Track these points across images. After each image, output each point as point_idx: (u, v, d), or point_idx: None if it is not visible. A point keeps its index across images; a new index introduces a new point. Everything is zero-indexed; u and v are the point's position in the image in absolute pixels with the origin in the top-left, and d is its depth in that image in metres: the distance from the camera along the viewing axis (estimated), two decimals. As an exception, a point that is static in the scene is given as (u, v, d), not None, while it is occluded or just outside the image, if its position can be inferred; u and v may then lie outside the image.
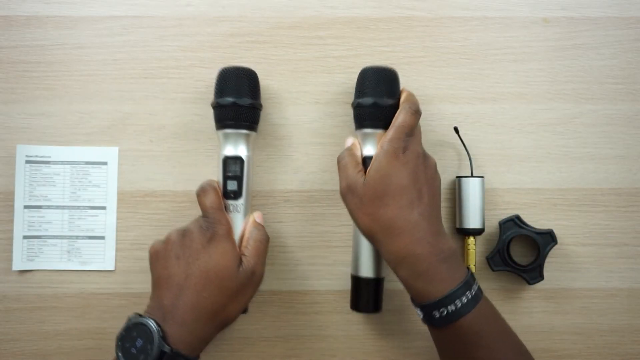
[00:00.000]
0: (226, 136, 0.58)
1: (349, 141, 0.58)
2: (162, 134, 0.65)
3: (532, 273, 0.62)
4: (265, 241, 0.57)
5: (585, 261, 0.64)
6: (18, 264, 0.63)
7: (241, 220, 0.58)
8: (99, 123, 0.64)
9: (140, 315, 0.51)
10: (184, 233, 0.55)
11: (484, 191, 0.63)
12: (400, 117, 0.54)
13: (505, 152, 0.65)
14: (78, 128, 0.64)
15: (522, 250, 0.65)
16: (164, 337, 0.49)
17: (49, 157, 0.64)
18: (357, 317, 0.64)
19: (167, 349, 0.49)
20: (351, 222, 0.64)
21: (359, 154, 0.57)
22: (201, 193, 0.56)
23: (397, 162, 0.52)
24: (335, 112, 0.65)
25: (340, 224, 0.64)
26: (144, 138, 0.65)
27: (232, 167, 0.57)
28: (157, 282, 0.53)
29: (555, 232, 0.62)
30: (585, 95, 0.66)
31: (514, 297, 0.64)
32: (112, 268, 0.63)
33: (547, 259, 0.62)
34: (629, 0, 0.67)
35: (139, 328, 0.50)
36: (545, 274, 0.62)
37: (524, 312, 0.64)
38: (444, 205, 0.64)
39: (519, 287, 0.64)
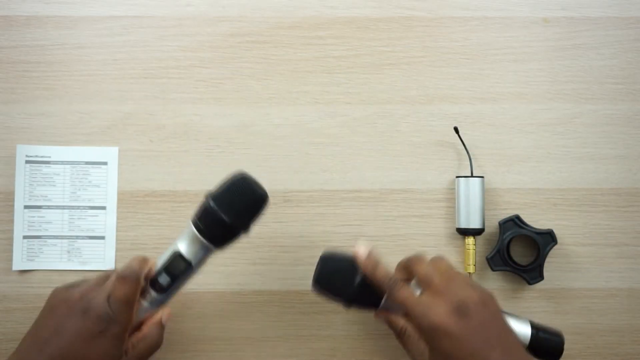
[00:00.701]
0: (193, 238, 0.52)
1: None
2: (162, 134, 0.65)
3: (532, 273, 0.62)
4: (156, 348, 0.52)
5: (585, 261, 0.64)
6: (18, 264, 0.63)
7: (148, 311, 0.53)
8: (99, 123, 0.64)
9: None
10: (85, 307, 0.49)
11: (484, 191, 0.63)
12: (400, 295, 0.51)
13: (505, 152, 0.65)
14: (78, 128, 0.64)
15: (522, 251, 0.65)
16: None
17: (49, 157, 0.64)
18: (357, 317, 0.64)
19: None
20: (351, 222, 0.64)
21: None
22: (121, 280, 0.50)
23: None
24: (335, 112, 0.65)
25: (340, 224, 0.64)
26: (144, 138, 0.65)
27: (178, 266, 0.52)
28: (34, 329, 0.52)
29: (555, 232, 0.62)
30: (585, 95, 0.66)
31: (514, 297, 0.64)
32: (112, 268, 0.63)
33: (547, 259, 0.62)
34: (629, 0, 0.67)
35: None
36: (545, 274, 0.62)
37: (524, 312, 0.64)
38: (445, 206, 0.64)
39: (519, 287, 0.64)
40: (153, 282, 0.52)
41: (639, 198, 0.65)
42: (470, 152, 0.64)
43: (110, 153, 0.64)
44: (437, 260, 0.53)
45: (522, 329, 0.55)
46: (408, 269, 0.54)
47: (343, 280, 0.53)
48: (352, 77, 0.66)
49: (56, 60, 0.65)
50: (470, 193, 0.62)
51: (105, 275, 0.53)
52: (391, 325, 0.53)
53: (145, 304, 0.52)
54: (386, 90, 0.65)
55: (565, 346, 0.63)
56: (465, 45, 0.66)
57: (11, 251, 0.63)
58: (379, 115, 0.65)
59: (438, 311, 0.47)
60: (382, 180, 0.65)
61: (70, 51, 0.65)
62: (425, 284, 0.50)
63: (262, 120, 0.65)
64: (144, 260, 0.52)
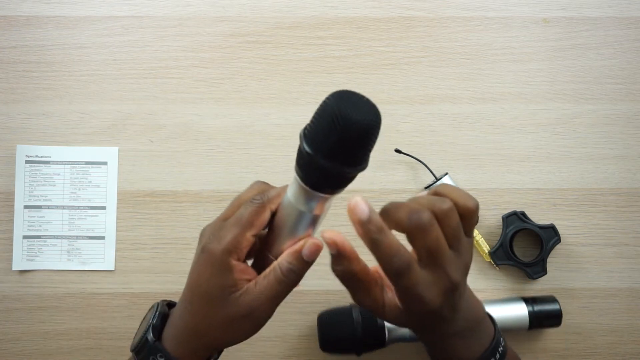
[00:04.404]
0: (297, 183, 0.40)
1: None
2: (162, 134, 0.65)
3: (535, 267, 0.62)
4: (292, 285, 0.44)
5: (585, 261, 0.64)
6: (18, 264, 0.63)
7: (303, 226, 0.43)
8: (99, 123, 0.64)
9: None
10: (203, 230, 0.45)
11: (456, 183, 0.63)
12: (411, 281, 0.41)
13: (505, 152, 0.65)
14: (78, 128, 0.64)
15: (524, 249, 0.65)
16: (158, 329, 0.46)
17: (49, 157, 0.64)
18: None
19: (150, 337, 0.44)
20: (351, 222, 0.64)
21: None
22: (248, 203, 0.43)
23: None
24: (335, 112, 0.65)
25: (340, 224, 0.64)
26: (144, 138, 0.65)
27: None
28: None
29: (555, 232, 0.63)
30: (585, 95, 0.66)
31: (514, 296, 0.64)
32: (112, 268, 0.63)
33: (548, 259, 0.62)
34: (629, 0, 0.67)
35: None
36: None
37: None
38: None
39: (519, 287, 0.64)
40: None
41: (639, 198, 0.65)
42: (422, 159, 0.64)
43: (110, 153, 0.64)
44: (449, 220, 0.40)
45: (519, 311, 0.59)
46: (408, 231, 0.40)
47: (346, 338, 0.56)
48: (352, 77, 0.66)
49: (56, 60, 0.65)
50: None
51: (242, 199, 0.45)
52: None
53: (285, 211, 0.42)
54: (386, 90, 0.65)
55: (565, 346, 0.64)
56: (465, 45, 0.66)
57: (11, 251, 0.63)
58: (379, 115, 0.65)
59: (433, 295, 0.40)
60: (381, 180, 0.65)
61: (70, 51, 0.65)
62: (429, 256, 0.40)
63: (262, 120, 0.65)
64: (282, 190, 0.44)
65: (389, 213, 0.40)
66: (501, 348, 0.45)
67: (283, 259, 0.44)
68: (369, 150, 0.38)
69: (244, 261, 0.44)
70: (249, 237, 0.43)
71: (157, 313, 0.46)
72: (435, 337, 0.45)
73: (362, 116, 0.36)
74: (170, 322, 0.47)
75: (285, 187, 0.44)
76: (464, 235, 0.41)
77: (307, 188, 0.40)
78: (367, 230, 0.39)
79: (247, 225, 0.43)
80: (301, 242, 0.43)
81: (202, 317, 0.44)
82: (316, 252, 0.44)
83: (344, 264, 0.42)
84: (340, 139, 0.36)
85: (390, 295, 0.43)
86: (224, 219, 0.44)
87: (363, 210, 0.39)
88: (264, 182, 0.47)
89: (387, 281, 0.44)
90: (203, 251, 0.43)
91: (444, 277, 0.40)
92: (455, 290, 0.41)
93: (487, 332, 0.45)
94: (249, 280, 0.43)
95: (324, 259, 0.63)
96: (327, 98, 0.37)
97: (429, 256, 0.40)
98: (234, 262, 0.42)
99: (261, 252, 0.46)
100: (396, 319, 0.43)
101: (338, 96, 0.37)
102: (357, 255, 0.42)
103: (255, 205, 0.43)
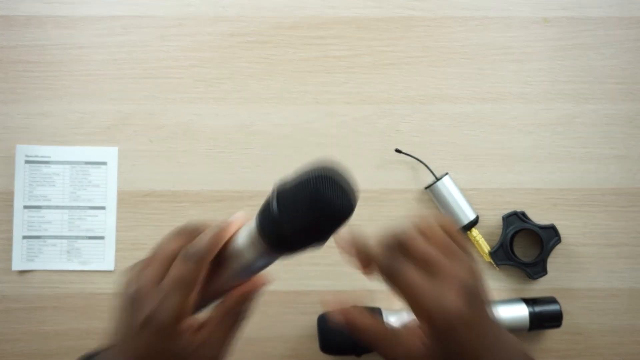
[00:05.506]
0: (253, 234, 0.40)
1: None
2: (162, 134, 0.65)
3: (536, 267, 0.62)
4: (242, 324, 0.43)
5: (585, 261, 0.64)
6: (18, 264, 0.63)
7: (247, 274, 0.43)
8: (99, 123, 0.64)
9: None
10: (132, 297, 0.40)
11: (456, 183, 0.63)
12: (407, 279, 0.41)
13: (505, 152, 0.65)
14: (78, 128, 0.64)
15: (524, 249, 0.65)
16: None
17: (49, 157, 0.64)
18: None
19: None
20: (351, 222, 0.64)
21: None
22: (183, 259, 0.40)
23: None
24: (335, 112, 0.65)
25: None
26: (144, 138, 0.64)
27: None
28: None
29: (556, 232, 0.63)
30: (586, 95, 0.66)
31: (514, 296, 0.64)
32: (111, 268, 0.63)
33: (548, 259, 0.62)
34: (629, 0, 0.67)
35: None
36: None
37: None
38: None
39: (519, 287, 0.64)
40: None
41: (639, 198, 0.65)
42: (422, 159, 0.64)
43: (110, 153, 0.64)
44: (431, 231, 0.42)
45: (519, 311, 0.59)
46: (398, 248, 0.42)
47: (346, 339, 0.56)
48: (352, 77, 0.66)
49: (56, 60, 0.65)
50: (449, 192, 0.62)
51: (153, 250, 0.43)
52: (371, 328, 0.43)
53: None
54: (386, 90, 0.65)
55: (565, 346, 0.63)
56: (465, 45, 0.66)
57: (11, 251, 0.63)
58: (379, 115, 0.65)
59: (452, 298, 0.39)
60: (382, 180, 0.65)
61: (70, 51, 0.65)
62: (428, 266, 0.41)
63: (262, 120, 0.65)
64: (219, 235, 0.42)
65: (380, 238, 0.43)
66: None
67: (236, 304, 0.43)
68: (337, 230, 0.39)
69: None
70: (194, 296, 0.41)
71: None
72: None
73: (341, 202, 0.36)
74: None
75: (218, 232, 0.42)
76: (457, 247, 0.42)
77: (266, 245, 0.40)
78: (351, 244, 0.43)
79: (192, 286, 0.40)
80: (251, 284, 0.43)
81: None
82: (258, 293, 0.44)
83: (360, 335, 0.43)
84: (316, 221, 0.37)
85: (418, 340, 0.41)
86: (156, 280, 0.41)
87: (348, 238, 0.43)
88: (189, 226, 0.44)
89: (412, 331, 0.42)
90: (148, 325, 0.39)
91: (450, 277, 0.40)
92: (471, 291, 0.40)
93: None
94: (198, 329, 0.41)
95: (324, 259, 0.64)
96: (311, 172, 0.37)
97: (426, 264, 0.41)
98: (184, 325, 0.40)
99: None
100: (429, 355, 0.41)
101: (322, 175, 0.37)
102: (369, 319, 0.42)
103: (196, 264, 0.41)
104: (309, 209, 0.36)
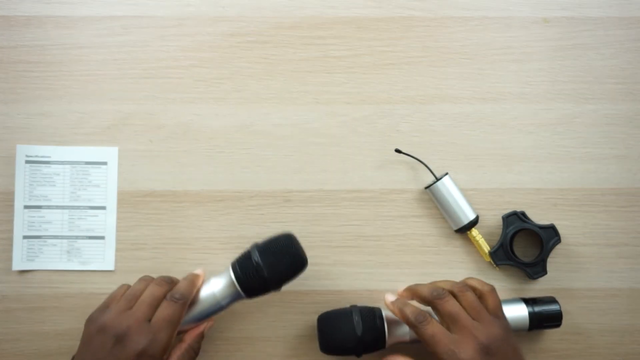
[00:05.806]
0: (229, 283, 0.55)
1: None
2: (162, 134, 0.65)
3: (535, 267, 0.62)
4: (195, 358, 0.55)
5: (585, 261, 0.64)
6: (18, 264, 0.63)
7: (213, 313, 0.55)
8: (99, 123, 0.64)
9: None
10: (119, 333, 0.50)
11: (456, 183, 0.63)
12: (429, 331, 0.52)
13: (505, 152, 0.65)
14: (78, 128, 0.64)
15: (524, 249, 0.65)
16: None
17: (49, 157, 0.64)
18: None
19: None
20: (351, 222, 0.64)
21: None
22: (171, 302, 0.52)
23: None
24: (335, 112, 0.65)
25: (340, 224, 0.64)
26: (144, 138, 0.64)
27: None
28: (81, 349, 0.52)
29: (556, 232, 0.63)
30: (586, 95, 0.66)
31: (514, 296, 0.64)
32: (112, 268, 0.63)
33: (548, 259, 0.62)
34: (629, 0, 0.67)
35: None
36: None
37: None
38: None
39: (519, 287, 0.64)
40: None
41: (639, 198, 0.65)
42: (422, 159, 0.64)
43: (110, 153, 0.64)
44: (464, 295, 0.54)
45: (519, 311, 0.59)
46: (430, 302, 0.54)
47: (346, 339, 0.56)
48: (352, 77, 0.66)
49: (56, 60, 0.65)
50: (449, 192, 0.62)
51: (133, 294, 0.53)
52: None
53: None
54: (386, 90, 0.65)
55: (565, 346, 0.64)
56: (465, 45, 0.66)
57: (11, 251, 0.63)
58: (379, 115, 0.65)
59: (467, 352, 0.49)
60: (382, 180, 0.65)
61: (70, 51, 0.65)
62: (452, 321, 0.51)
63: (262, 120, 0.65)
64: (194, 282, 0.55)
65: (415, 289, 0.56)
66: None
67: (194, 342, 0.55)
68: None
69: None
70: (175, 333, 0.52)
71: None
72: None
73: (304, 253, 0.56)
74: None
75: (194, 279, 0.55)
76: (485, 311, 0.53)
77: (241, 292, 0.54)
78: (396, 305, 0.55)
79: (177, 323, 0.51)
80: (205, 325, 0.56)
81: None
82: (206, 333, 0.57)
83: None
84: (293, 272, 0.55)
85: None
86: (146, 319, 0.51)
87: (391, 296, 0.57)
88: (166, 277, 0.55)
89: None
90: (142, 357, 0.49)
91: (468, 336, 0.50)
92: (488, 350, 0.49)
93: None
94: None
95: (324, 259, 0.64)
96: (287, 242, 0.55)
97: (451, 321, 0.51)
98: (165, 356, 0.51)
99: None
100: None
101: (295, 242, 0.55)
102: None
103: (181, 306, 0.52)
104: (292, 266, 0.55)
